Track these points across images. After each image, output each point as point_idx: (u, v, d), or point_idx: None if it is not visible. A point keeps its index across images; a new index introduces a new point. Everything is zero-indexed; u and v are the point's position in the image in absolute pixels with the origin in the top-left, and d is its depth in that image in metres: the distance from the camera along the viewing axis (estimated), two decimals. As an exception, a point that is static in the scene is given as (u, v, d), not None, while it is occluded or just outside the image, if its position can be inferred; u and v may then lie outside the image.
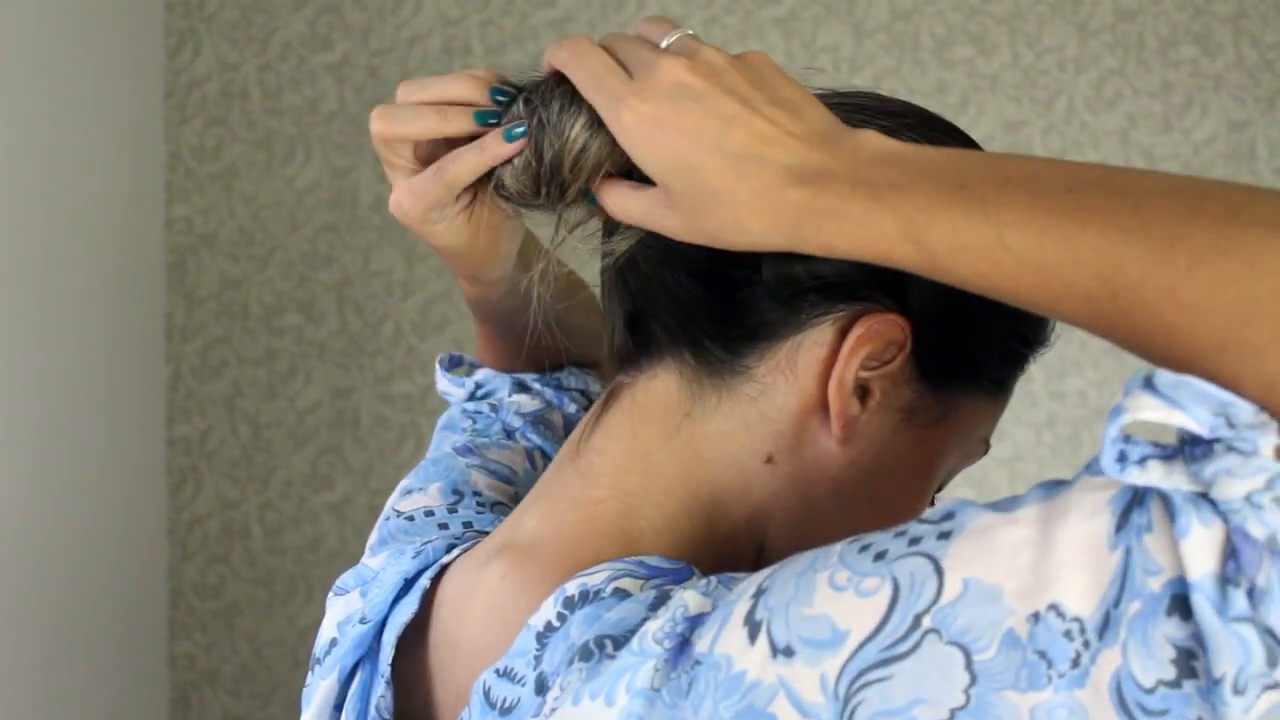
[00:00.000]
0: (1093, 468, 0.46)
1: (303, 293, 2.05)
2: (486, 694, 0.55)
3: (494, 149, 0.60)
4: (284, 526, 2.05)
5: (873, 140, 0.53)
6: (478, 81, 0.62)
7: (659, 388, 0.61)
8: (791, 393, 0.59)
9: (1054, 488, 0.47)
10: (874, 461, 0.59)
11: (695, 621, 0.50)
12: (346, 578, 0.69)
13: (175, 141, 2.05)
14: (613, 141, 0.56)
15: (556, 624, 0.54)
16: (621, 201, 0.58)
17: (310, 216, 2.04)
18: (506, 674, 0.55)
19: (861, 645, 0.45)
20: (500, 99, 0.61)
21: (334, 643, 0.67)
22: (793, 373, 0.59)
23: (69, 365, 1.76)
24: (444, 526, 0.72)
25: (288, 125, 2.05)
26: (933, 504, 0.63)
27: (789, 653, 0.46)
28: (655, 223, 0.57)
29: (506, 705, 0.54)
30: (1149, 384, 0.44)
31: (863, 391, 0.59)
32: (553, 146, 0.58)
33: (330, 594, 0.69)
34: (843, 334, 0.58)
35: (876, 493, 0.59)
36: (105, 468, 1.87)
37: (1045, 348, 0.67)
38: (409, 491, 0.75)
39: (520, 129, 0.59)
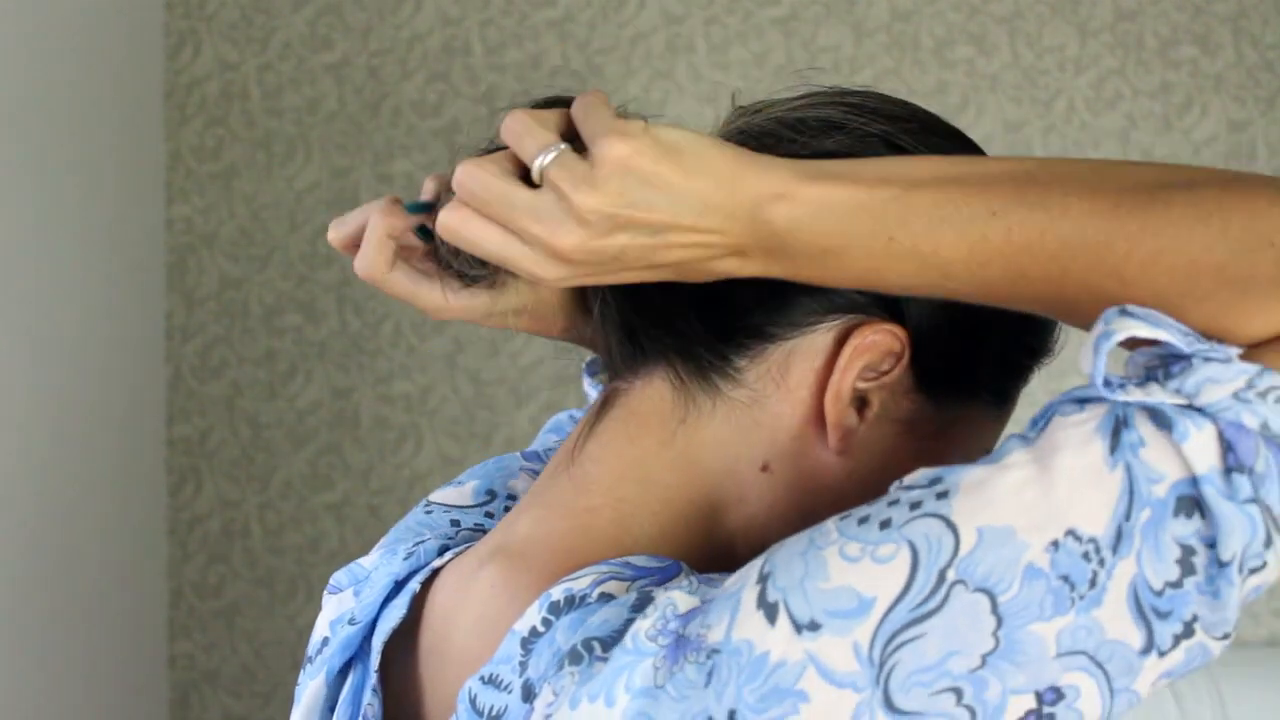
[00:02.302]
0: (1061, 409, 0.50)
1: (303, 293, 2.05)
2: (473, 701, 0.55)
3: (391, 219, 0.64)
4: (284, 526, 2.05)
5: (781, 211, 0.52)
6: (392, 207, 0.65)
7: (652, 394, 0.61)
8: (786, 401, 0.59)
9: (1028, 435, 0.50)
10: (873, 473, 0.59)
11: (687, 618, 0.50)
12: (340, 575, 0.68)
13: (175, 141, 2.05)
14: None
15: (541, 629, 0.54)
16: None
17: (310, 216, 2.04)
18: (492, 681, 0.54)
19: (891, 609, 0.47)
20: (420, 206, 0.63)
21: (325, 642, 0.66)
22: (785, 380, 0.59)
23: (68, 365, 1.76)
24: (455, 524, 0.72)
25: (288, 125, 2.05)
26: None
27: (814, 627, 0.47)
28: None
29: (494, 713, 0.54)
30: (1126, 311, 0.50)
31: (861, 403, 0.59)
32: None
33: (325, 591, 0.69)
34: (839, 344, 0.58)
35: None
36: (105, 468, 1.87)
37: (1050, 357, 0.67)
38: (450, 485, 0.75)
39: (424, 202, 0.61)
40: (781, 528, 0.58)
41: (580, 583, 0.56)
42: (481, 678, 0.55)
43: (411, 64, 2.04)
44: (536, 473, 0.76)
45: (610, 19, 2.02)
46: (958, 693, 0.46)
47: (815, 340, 0.59)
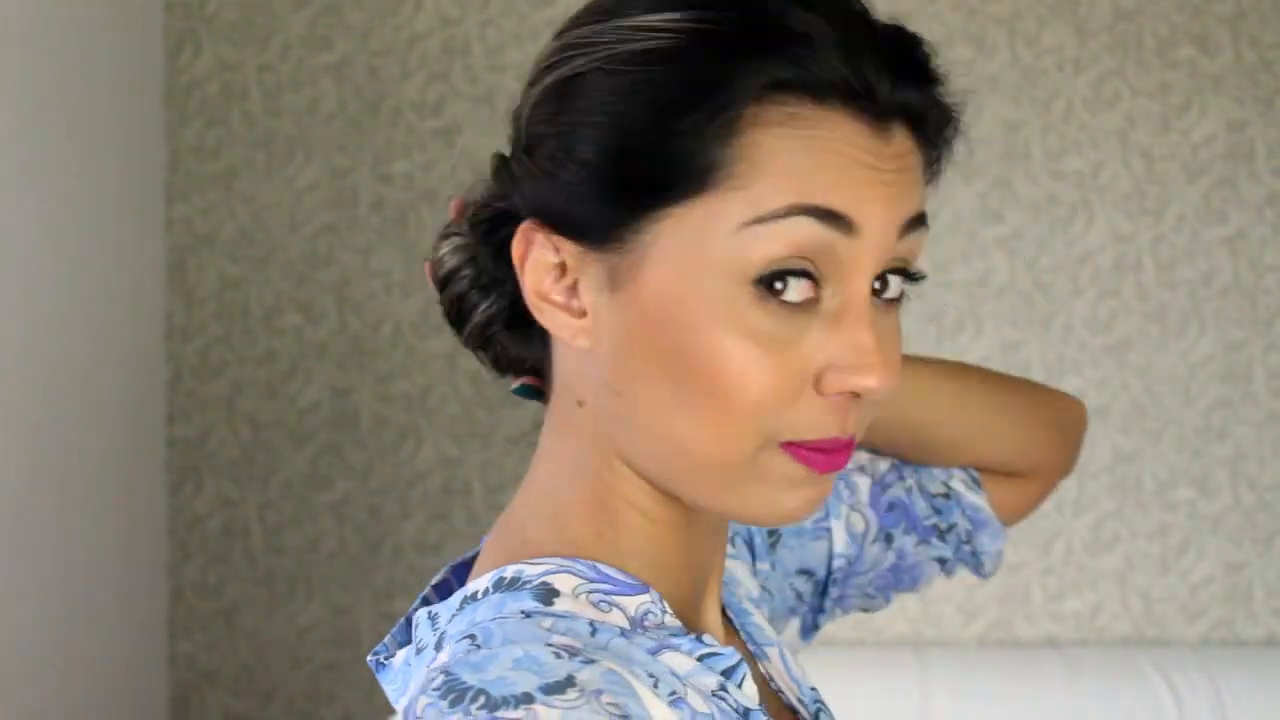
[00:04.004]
0: None
1: (302, 293, 2.05)
2: (414, 624, 0.62)
3: None
4: (284, 526, 2.05)
5: None
6: None
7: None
8: (545, 341, 0.64)
9: None
10: (633, 341, 0.59)
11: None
12: None
13: (175, 141, 2.05)
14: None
15: (480, 597, 0.60)
16: None
17: (310, 217, 2.05)
18: (432, 619, 0.61)
19: None
20: None
21: None
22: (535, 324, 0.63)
23: (69, 365, 1.76)
24: None
25: (287, 125, 2.05)
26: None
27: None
28: None
29: (420, 645, 0.61)
30: None
31: (571, 299, 0.61)
32: None
33: None
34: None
35: (663, 364, 0.58)
36: (105, 467, 1.87)
37: (711, 105, 0.57)
38: None
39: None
40: (626, 437, 0.61)
41: (534, 568, 0.60)
42: (428, 613, 0.61)
43: (411, 64, 2.04)
44: None
45: (610, 19, 2.02)
46: None
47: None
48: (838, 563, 0.81)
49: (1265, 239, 2.03)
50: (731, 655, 0.61)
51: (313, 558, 2.05)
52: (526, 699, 0.51)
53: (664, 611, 0.61)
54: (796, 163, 0.56)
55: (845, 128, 0.57)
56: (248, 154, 2.05)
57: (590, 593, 0.60)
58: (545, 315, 0.61)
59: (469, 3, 2.04)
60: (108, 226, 1.89)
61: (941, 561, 0.84)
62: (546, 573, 0.60)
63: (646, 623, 0.61)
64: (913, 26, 0.64)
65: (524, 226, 0.60)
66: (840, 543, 0.81)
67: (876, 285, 0.59)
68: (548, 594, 0.59)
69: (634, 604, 0.61)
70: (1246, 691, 1.85)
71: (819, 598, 0.83)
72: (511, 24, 2.04)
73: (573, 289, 0.60)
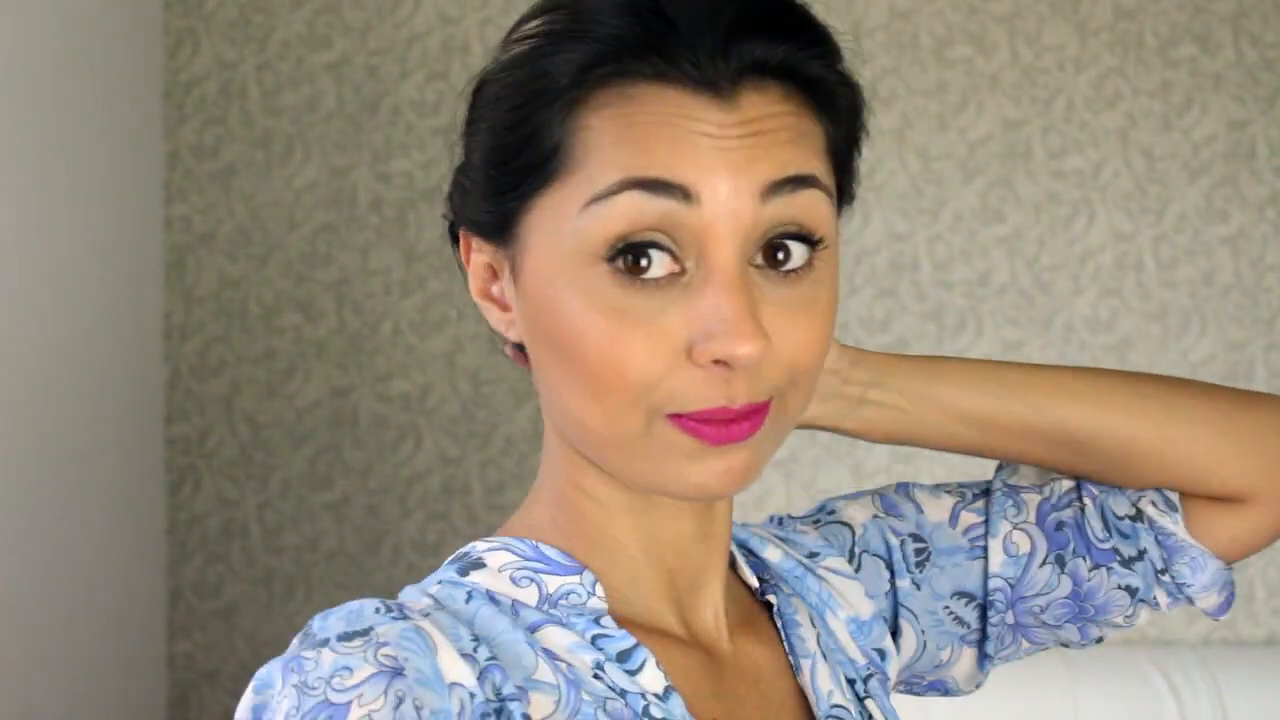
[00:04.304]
0: None
1: (301, 292, 2.05)
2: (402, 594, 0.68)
3: None
4: (283, 526, 2.05)
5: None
6: None
7: None
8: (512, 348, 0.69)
9: None
10: (532, 329, 0.63)
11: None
12: None
13: (174, 140, 2.05)
14: None
15: (443, 575, 0.66)
16: None
17: (309, 215, 2.04)
18: (419, 588, 0.66)
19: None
20: None
21: None
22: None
23: (67, 365, 1.76)
24: None
25: (286, 124, 2.05)
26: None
27: None
28: None
29: (405, 611, 0.66)
30: None
31: (502, 296, 0.66)
32: None
33: None
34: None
35: (550, 347, 0.62)
36: (104, 467, 1.87)
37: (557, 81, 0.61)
38: None
39: None
40: (562, 421, 0.64)
41: (483, 545, 0.66)
42: (423, 583, 0.67)
43: (410, 63, 2.04)
44: None
45: (609, 18, 2.02)
46: None
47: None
48: (994, 584, 0.77)
49: (1266, 238, 2.03)
50: (624, 639, 0.63)
51: (312, 557, 2.04)
52: (323, 643, 0.56)
53: (590, 594, 0.64)
54: (626, 139, 0.58)
55: (678, 99, 0.58)
56: (247, 153, 2.05)
57: (518, 569, 0.65)
58: (486, 313, 0.66)
59: (468, 2, 2.04)
60: (106, 226, 1.88)
61: (1131, 591, 0.77)
62: (489, 549, 0.66)
63: (562, 601, 0.64)
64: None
65: (462, 233, 0.66)
66: (997, 562, 0.77)
67: (779, 256, 0.60)
68: (470, 567, 0.65)
69: (556, 583, 0.64)
70: (1247, 691, 1.85)
71: (984, 623, 0.79)
72: (510, 23, 2.03)
73: (501, 287, 0.65)
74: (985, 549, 0.78)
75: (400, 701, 0.54)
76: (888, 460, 2.02)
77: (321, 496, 2.05)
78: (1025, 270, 2.03)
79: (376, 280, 2.04)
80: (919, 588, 0.78)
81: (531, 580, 0.65)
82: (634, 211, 0.57)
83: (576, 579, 0.65)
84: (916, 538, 0.79)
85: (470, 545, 0.67)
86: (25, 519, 1.65)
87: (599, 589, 0.65)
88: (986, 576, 0.78)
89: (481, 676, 0.58)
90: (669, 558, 0.67)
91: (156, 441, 2.03)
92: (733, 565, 0.75)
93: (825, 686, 0.70)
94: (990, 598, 0.77)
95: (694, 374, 0.58)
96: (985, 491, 0.81)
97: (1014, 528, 0.77)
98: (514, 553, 0.65)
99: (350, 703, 0.54)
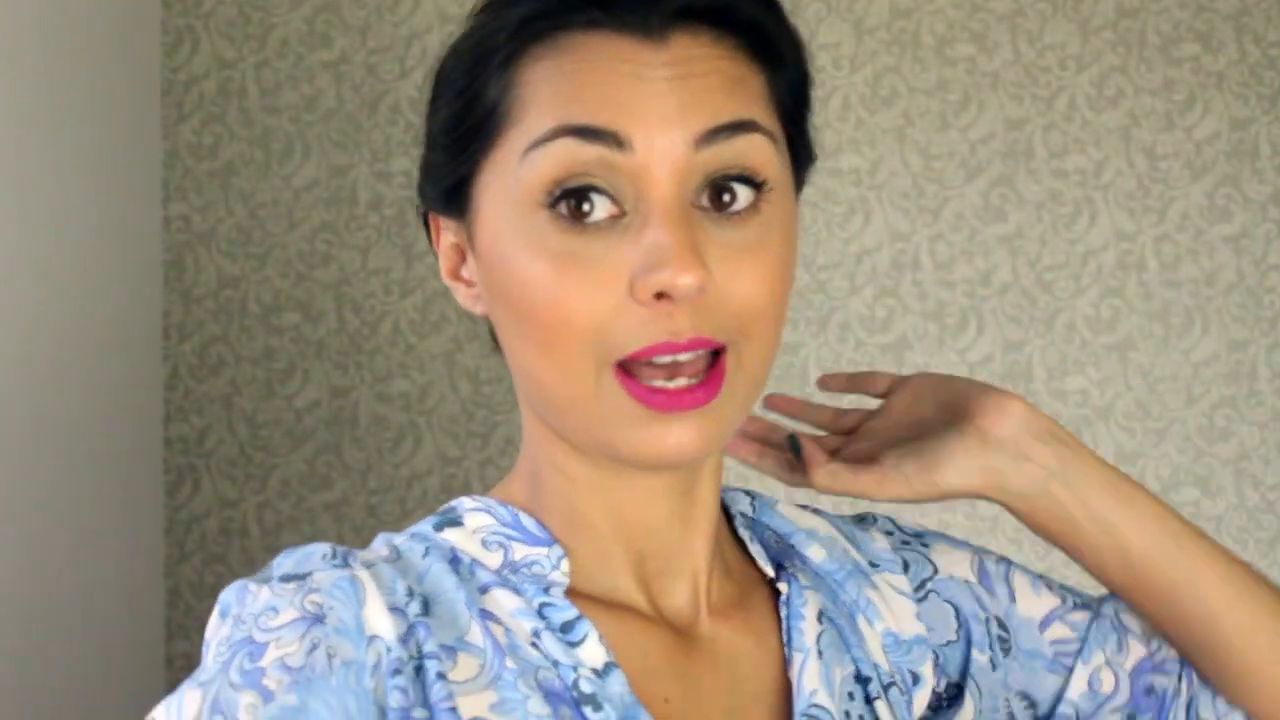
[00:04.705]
0: None
1: (301, 291, 2.04)
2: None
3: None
4: (282, 526, 2.04)
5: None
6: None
7: None
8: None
9: None
10: (490, 295, 0.65)
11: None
12: None
13: (172, 139, 2.04)
14: None
15: (420, 527, 0.69)
16: (841, 484, 0.74)
17: (308, 215, 2.04)
18: (388, 537, 0.69)
19: None
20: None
21: None
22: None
23: (65, 364, 1.76)
24: None
25: (285, 123, 2.04)
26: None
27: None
28: (872, 492, 0.74)
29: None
30: None
31: (469, 273, 0.69)
32: None
33: None
34: None
35: (505, 305, 0.64)
36: (101, 467, 1.86)
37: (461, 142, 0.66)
38: None
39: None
40: (527, 388, 0.66)
41: (469, 504, 0.68)
42: (400, 532, 0.70)
43: (410, 61, 2.03)
44: None
45: (609, 16, 2.01)
46: None
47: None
48: (1064, 708, 0.75)
49: (1270, 237, 2.02)
50: (567, 610, 0.64)
51: (311, 558, 2.04)
52: (267, 580, 0.60)
53: (554, 567, 0.65)
54: (560, 88, 0.59)
55: (610, 45, 0.59)
56: (245, 151, 2.04)
57: (491, 533, 0.66)
58: (456, 293, 0.68)
59: (467, 1, 2.03)
60: (104, 225, 1.88)
61: None
62: (472, 509, 0.68)
63: (524, 569, 0.65)
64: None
65: (431, 218, 0.69)
66: (1076, 690, 0.75)
67: (724, 198, 0.60)
68: (447, 523, 0.67)
69: (524, 551, 0.66)
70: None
71: None
72: (511, 21, 2.03)
73: (469, 266, 0.67)
74: (1071, 670, 0.75)
75: (314, 648, 0.56)
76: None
77: (321, 496, 2.05)
78: (1027, 269, 2.03)
79: (376, 280, 2.03)
80: (994, 669, 0.76)
81: (501, 546, 0.66)
82: (568, 157, 0.58)
83: (545, 551, 0.66)
84: (1002, 624, 0.76)
85: (459, 500, 0.69)
86: (22, 519, 1.65)
87: (565, 564, 0.66)
88: (1060, 697, 0.75)
89: (407, 632, 0.59)
90: (639, 539, 0.67)
91: (155, 441, 2.02)
92: (744, 545, 0.75)
93: (810, 685, 0.69)
94: (1052, 717, 0.75)
95: (638, 313, 0.58)
96: (1087, 606, 0.78)
97: (1107, 664, 0.75)
98: (494, 516, 0.67)
99: (269, 643, 0.57)
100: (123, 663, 1.92)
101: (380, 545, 0.67)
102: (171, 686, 2.07)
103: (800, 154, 0.68)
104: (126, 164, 1.95)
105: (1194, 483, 2.02)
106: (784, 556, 0.75)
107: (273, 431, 2.05)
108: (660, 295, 0.57)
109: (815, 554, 0.75)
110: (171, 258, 2.04)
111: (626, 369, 0.59)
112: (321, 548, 0.63)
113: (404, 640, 0.59)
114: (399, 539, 0.67)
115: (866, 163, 2.01)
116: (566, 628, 0.63)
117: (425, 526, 0.68)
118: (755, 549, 0.74)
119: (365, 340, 2.04)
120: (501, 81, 0.62)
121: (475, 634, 0.61)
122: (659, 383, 0.59)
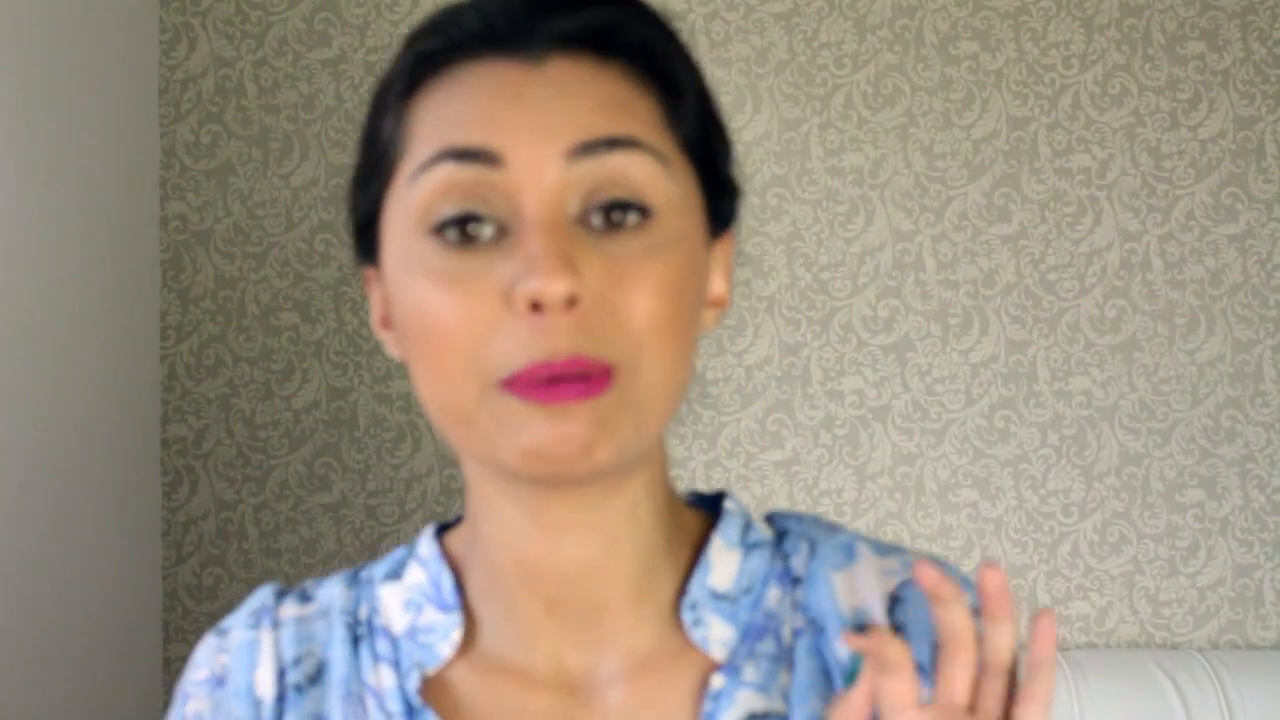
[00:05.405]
0: None
1: (299, 291, 2.03)
2: None
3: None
4: (280, 527, 2.03)
5: None
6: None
7: None
8: None
9: None
10: (398, 329, 0.66)
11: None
12: None
13: (170, 138, 2.03)
14: None
15: (371, 572, 0.74)
16: None
17: (306, 214, 2.03)
18: (341, 578, 0.76)
19: None
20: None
21: None
22: None
23: (62, 364, 1.75)
24: None
25: (284, 122, 2.03)
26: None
27: None
28: None
29: None
30: None
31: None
32: None
33: None
34: None
35: (404, 333, 0.65)
36: (98, 468, 1.85)
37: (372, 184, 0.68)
38: None
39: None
40: (433, 415, 0.68)
41: (425, 547, 0.73)
42: (355, 571, 0.76)
43: (409, 60, 2.02)
44: None
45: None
46: None
47: None
48: None
49: (1275, 237, 2.01)
50: (414, 699, 0.67)
51: (309, 559, 2.03)
52: (216, 628, 0.70)
53: (444, 638, 0.67)
54: (443, 115, 0.61)
55: (494, 71, 0.60)
56: (243, 150, 2.03)
57: (418, 593, 0.70)
58: (385, 344, 0.70)
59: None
60: (101, 224, 1.87)
61: None
62: (421, 560, 0.71)
63: (421, 637, 0.68)
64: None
65: (363, 271, 0.69)
66: None
67: (614, 217, 0.59)
68: (393, 573, 0.72)
69: (429, 618, 0.68)
70: (1256, 696, 1.83)
71: None
72: (510, 19, 2.02)
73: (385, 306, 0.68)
74: None
75: (216, 708, 0.66)
76: (891, 462, 2.00)
77: (320, 498, 2.04)
78: (1031, 269, 2.01)
79: (375, 279, 2.02)
80: None
81: (416, 608, 0.69)
82: (447, 179, 0.59)
83: (443, 618, 0.68)
84: None
85: (421, 537, 0.72)
86: (19, 520, 1.64)
87: (455, 635, 0.67)
88: None
89: (279, 698, 0.66)
90: (549, 586, 0.65)
91: (152, 442, 2.01)
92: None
93: None
94: None
95: (517, 330, 0.57)
96: None
97: None
98: (426, 572, 0.70)
99: (190, 696, 0.68)
100: (119, 665, 1.91)
101: (330, 587, 0.72)
102: (169, 689, 2.06)
103: (717, 186, 0.66)
104: (123, 163, 1.94)
105: (1199, 484, 2.01)
106: (804, 633, 0.66)
107: (271, 432, 2.03)
108: (536, 307, 0.57)
109: (844, 648, 0.66)
110: (169, 257, 2.03)
111: (509, 387, 0.58)
112: (266, 594, 0.70)
113: (279, 702, 0.67)
114: (335, 588, 0.72)
115: (869, 162, 2.00)
116: (414, 715, 0.66)
117: (380, 570, 0.72)
118: (720, 630, 0.65)
119: (364, 340, 2.03)
120: (395, 116, 0.64)
121: (335, 716, 0.67)
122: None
